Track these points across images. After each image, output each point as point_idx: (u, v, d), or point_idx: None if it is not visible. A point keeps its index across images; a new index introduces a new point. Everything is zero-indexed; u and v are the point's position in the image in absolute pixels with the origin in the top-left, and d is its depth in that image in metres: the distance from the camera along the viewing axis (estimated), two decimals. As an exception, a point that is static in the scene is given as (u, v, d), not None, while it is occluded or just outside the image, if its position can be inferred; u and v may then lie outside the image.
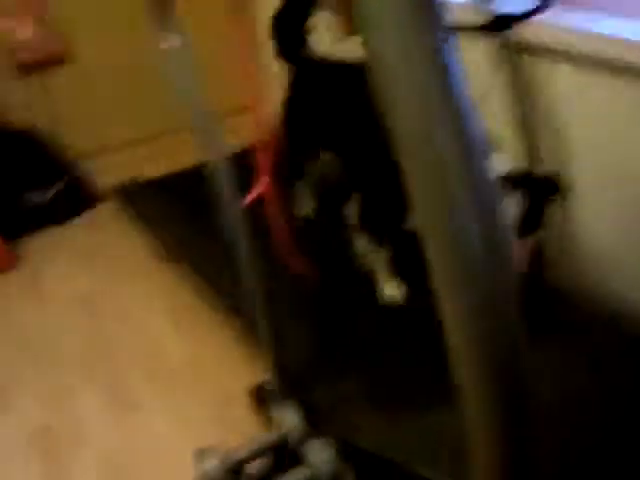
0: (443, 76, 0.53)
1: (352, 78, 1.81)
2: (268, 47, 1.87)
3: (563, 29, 1.56)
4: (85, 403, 1.85)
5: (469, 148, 0.55)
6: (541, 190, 1.33)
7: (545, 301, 1.67)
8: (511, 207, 1.28)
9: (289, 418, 1.19)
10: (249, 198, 1.18)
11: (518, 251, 1.31)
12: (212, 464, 1.14)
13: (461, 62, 0.53)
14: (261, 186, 1.07)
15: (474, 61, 1.59)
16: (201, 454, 1.17)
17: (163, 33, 1.18)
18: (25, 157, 2.71)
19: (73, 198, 2.78)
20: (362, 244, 1.76)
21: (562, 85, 1.64)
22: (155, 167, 2.56)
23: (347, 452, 1.32)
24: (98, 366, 1.98)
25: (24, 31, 2.68)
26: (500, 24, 1.01)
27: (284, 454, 1.21)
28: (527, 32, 1.53)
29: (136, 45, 2.47)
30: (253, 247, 1.28)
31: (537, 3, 1.17)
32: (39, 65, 2.75)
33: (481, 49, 1.60)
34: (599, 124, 1.60)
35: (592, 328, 1.56)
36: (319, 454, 1.13)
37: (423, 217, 0.59)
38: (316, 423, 1.40)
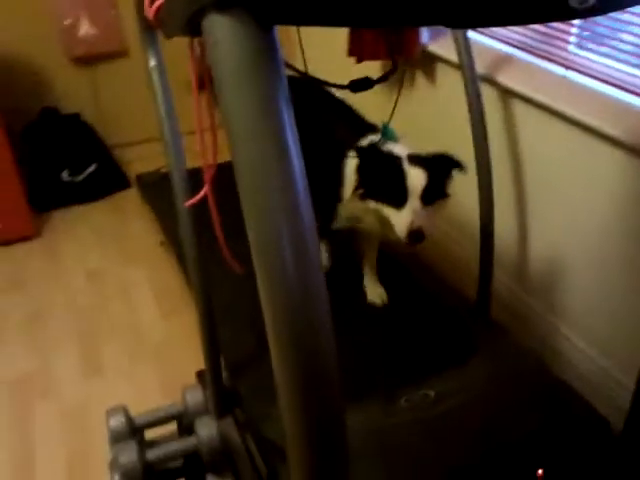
0: (275, 119, 0.66)
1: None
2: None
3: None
4: (62, 362, 2.06)
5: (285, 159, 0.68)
6: (439, 166, 1.49)
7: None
8: (415, 180, 1.44)
9: (194, 396, 1.34)
10: (190, 202, 1.34)
11: (427, 217, 1.46)
12: (118, 421, 1.30)
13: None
14: (202, 192, 1.21)
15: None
16: (112, 412, 1.33)
17: (148, 53, 1.37)
18: (67, 139, 2.98)
19: (103, 181, 3.03)
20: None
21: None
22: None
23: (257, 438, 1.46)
24: (84, 333, 2.19)
25: (84, 27, 2.96)
26: (361, 85, 1.18)
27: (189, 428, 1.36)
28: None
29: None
30: (199, 251, 1.42)
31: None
32: (93, 59, 3.03)
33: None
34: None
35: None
36: (205, 429, 1.27)
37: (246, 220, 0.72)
38: (230, 408, 1.55)
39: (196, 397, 1.34)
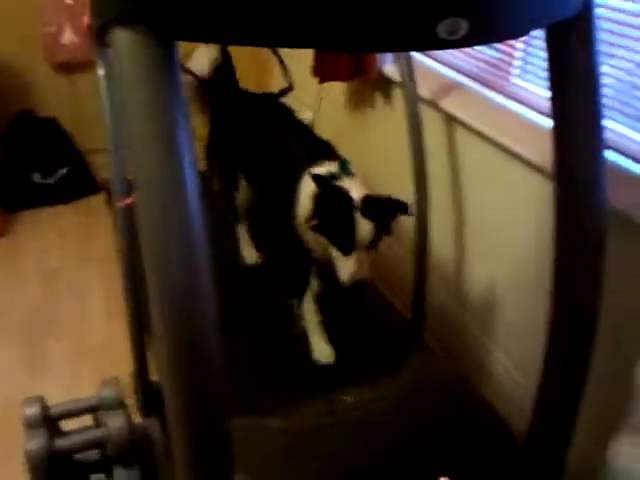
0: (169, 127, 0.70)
1: (257, 109, 1.99)
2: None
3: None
4: (3, 358, 2.09)
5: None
6: (386, 211, 1.51)
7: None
8: (364, 232, 1.47)
9: (108, 390, 1.37)
10: (123, 203, 1.38)
11: (366, 260, 1.51)
12: (32, 411, 1.33)
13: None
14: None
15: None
16: (28, 401, 1.35)
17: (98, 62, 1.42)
18: (42, 142, 3.03)
19: (74, 184, 3.08)
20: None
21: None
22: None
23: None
24: (32, 331, 2.22)
25: (66, 35, 3.04)
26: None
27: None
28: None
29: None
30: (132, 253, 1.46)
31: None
32: (73, 66, 3.10)
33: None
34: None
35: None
36: (113, 422, 1.29)
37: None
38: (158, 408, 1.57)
39: (110, 391, 1.36)
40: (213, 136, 2.09)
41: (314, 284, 1.75)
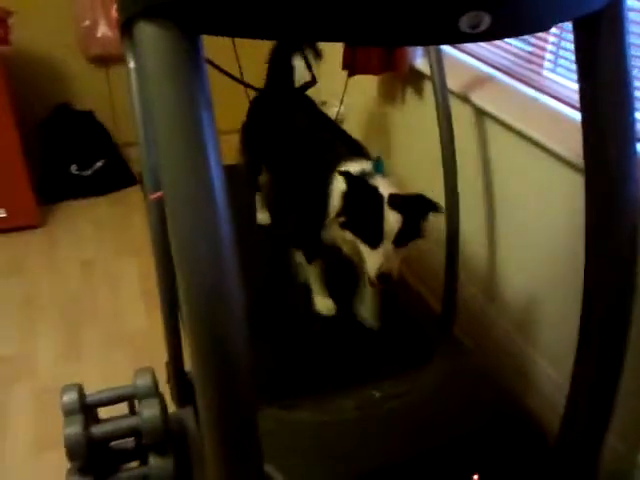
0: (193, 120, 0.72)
1: (291, 106, 2.02)
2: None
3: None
4: (43, 346, 2.16)
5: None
6: (416, 208, 1.53)
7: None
8: (391, 224, 1.48)
9: (143, 379, 1.41)
10: (155, 196, 1.41)
11: (396, 258, 1.52)
12: (70, 398, 1.38)
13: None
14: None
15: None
16: (67, 389, 1.40)
17: (127, 55, 1.45)
18: (79, 134, 3.10)
19: (110, 177, 3.15)
20: (298, 258, 1.94)
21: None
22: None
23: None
24: (68, 320, 2.29)
25: (101, 29, 3.09)
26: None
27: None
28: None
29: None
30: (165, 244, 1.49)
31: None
32: (109, 59, 3.15)
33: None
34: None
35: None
36: (147, 410, 1.33)
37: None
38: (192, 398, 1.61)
39: (145, 380, 1.40)
40: (247, 125, 2.19)
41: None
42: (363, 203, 1.51)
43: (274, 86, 2.10)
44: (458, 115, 1.79)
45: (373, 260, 1.50)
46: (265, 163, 2.17)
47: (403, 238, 1.51)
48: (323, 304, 1.91)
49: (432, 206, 1.53)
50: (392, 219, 1.49)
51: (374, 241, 1.50)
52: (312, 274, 1.91)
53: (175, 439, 1.43)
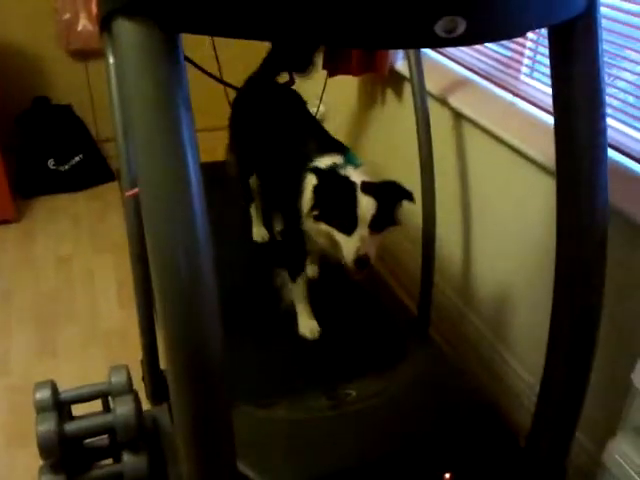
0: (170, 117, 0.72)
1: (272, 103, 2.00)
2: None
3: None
4: (17, 343, 2.14)
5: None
6: (389, 195, 1.53)
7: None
8: (365, 209, 1.49)
9: (118, 376, 1.41)
10: (130, 193, 1.40)
11: (372, 243, 1.52)
12: (43, 394, 1.37)
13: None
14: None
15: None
16: (40, 385, 1.40)
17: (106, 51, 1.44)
18: (56, 128, 3.07)
19: (88, 172, 3.12)
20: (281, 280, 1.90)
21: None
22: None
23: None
24: (43, 316, 2.27)
25: (82, 22, 3.06)
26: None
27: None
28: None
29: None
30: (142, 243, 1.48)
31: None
32: (89, 53, 3.12)
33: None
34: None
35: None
36: (121, 407, 1.33)
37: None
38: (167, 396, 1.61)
39: (120, 378, 1.40)
40: (232, 122, 2.14)
41: (309, 270, 1.85)
42: (335, 192, 1.52)
43: (254, 83, 2.08)
44: (436, 118, 1.81)
45: (349, 246, 1.50)
46: (252, 165, 2.10)
47: (378, 223, 1.51)
48: (307, 326, 1.84)
49: (406, 193, 1.54)
50: (365, 203, 1.49)
51: (349, 227, 1.50)
52: (296, 292, 1.84)
53: (149, 437, 1.43)
